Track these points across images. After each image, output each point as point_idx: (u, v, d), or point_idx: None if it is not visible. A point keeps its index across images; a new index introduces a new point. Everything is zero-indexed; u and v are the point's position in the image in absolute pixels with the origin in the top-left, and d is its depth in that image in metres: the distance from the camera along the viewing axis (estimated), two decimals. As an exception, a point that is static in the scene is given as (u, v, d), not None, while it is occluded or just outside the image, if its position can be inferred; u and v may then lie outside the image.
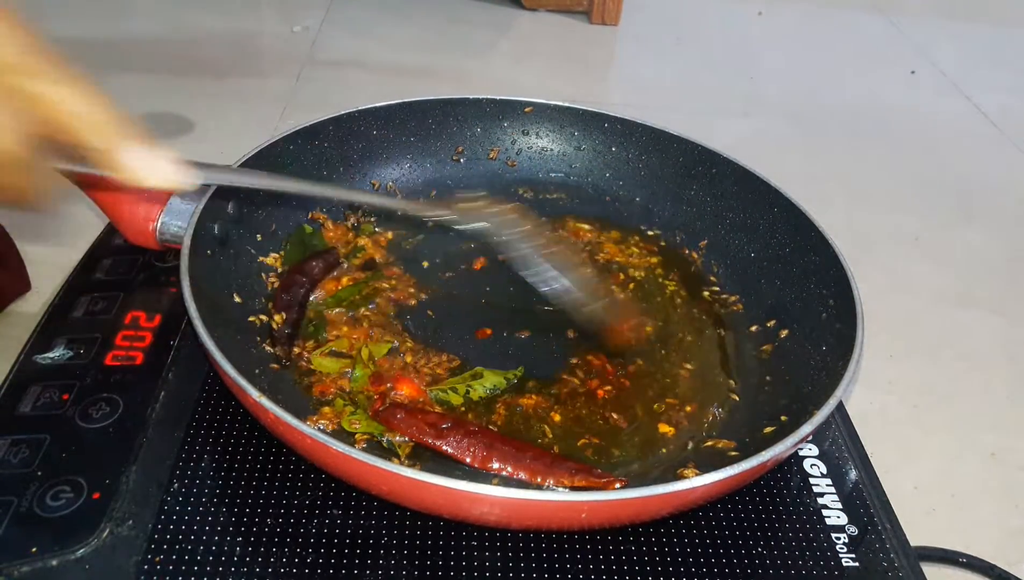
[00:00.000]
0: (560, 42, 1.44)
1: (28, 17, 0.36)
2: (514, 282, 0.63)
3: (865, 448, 0.53)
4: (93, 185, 0.54)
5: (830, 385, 0.46)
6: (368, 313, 0.58)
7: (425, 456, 0.48)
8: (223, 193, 0.56)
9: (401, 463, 0.47)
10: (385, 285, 0.61)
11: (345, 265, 0.62)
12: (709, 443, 0.51)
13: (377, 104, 0.70)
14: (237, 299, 0.55)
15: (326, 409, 0.50)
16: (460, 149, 0.74)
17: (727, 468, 0.40)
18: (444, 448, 0.47)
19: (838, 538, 0.47)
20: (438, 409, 0.51)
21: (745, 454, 0.42)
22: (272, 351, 0.53)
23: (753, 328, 0.61)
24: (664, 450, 0.51)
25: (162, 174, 0.39)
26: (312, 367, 0.53)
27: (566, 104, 0.73)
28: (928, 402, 0.74)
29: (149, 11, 1.39)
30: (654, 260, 0.67)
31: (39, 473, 0.44)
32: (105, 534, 0.42)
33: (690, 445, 0.52)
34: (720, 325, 0.62)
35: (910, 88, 1.40)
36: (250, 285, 0.57)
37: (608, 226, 0.71)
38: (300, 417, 0.41)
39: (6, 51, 0.34)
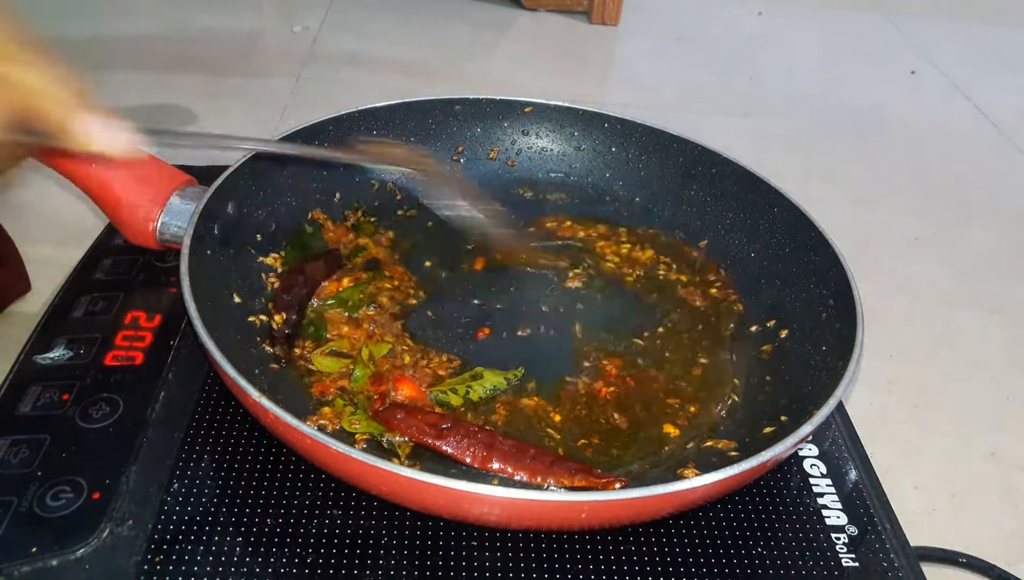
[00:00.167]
0: (560, 42, 1.44)
1: (24, 16, 0.37)
2: (515, 282, 0.64)
3: (865, 448, 0.53)
4: (69, 166, 0.54)
5: (830, 385, 0.46)
6: (369, 314, 0.58)
7: (425, 456, 0.48)
8: (223, 193, 0.56)
9: (401, 463, 0.47)
10: (387, 285, 0.61)
11: (348, 265, 0.62)
12: (709, 443, 0.51)
13: (377, 104, 0.70)
14: (237, 299, 0.55)
15: (326, 409, 0.50)
16: (460, 149, 0.74)
17: (727, 468, 0.40)
18: (444, 448, 0.47)
19: (838, 538, 0.47)
20: (438, 410, 0.51)
21: (745, 454, 0.42)
22: (272, 351, 0.53)
23: (753, 328, 0.61)
24: (664, 450, 0.51)
25: (111, 139, 0.40)
26: (313, 367, 0.53)
27: (566, 104, 0.73)
28: (928, 402, 0.74)
29: (149, 10, 1.39)
30: (652, 257, 0.67)
31: (39, 473, 0.44)
32: (105, 534, 0.42)
33: (690, 445, 0.52)
34: (720, 325, 0.62)
35: (910, 88, 1.40)
36: (250, 285, 0.57)
37: (607, 226, 0.71)
38: (300, 417, 0.41)
39: None
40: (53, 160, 0.53)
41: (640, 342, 0.59)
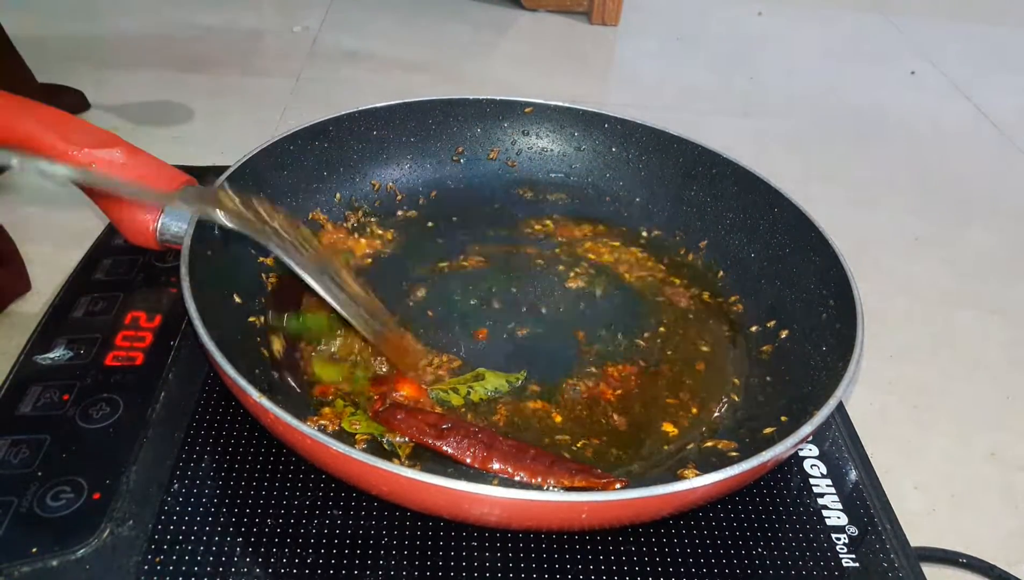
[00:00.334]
0: (560, 42, 1.45)
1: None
2: (515, 282, 0.64)
3: (865, 448, 0.53)
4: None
5: (830, 385, 0.46)
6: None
7: (425, 456, 0.48)
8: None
9: (401, 463, 0.47)
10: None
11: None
12: (709, 443, 0.51)
13: (377, 104, 0.70)
14: (237, 299, 0.55)
15: (326, 409, 0.50)
16: (460, 149, 0.74)
17: (727, 468, 0.40)
18: (444, 448, 0.47)
19: (838, 538, 0.47)
20: (438, 409, 0.51)
21: (745, 454, 0.42)
22: (277, 379, 0.52)
23: (753, 328, 0.61)
24: (664, 450, 0.51)
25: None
26: (315, 375, 0.53)
27: (566, 104, 0.73)
28: (928, 402, 0.74)
29: (149, 10, 1.39)
30: (652, 257, 0.67)
31: (39, 473, 0.44)
32: (105, 534, 0.42)
33: (690, 445, 0.52)
34: (720, 325, 0.62)
35: (910, 88, 1.40)
36: (250, 285, 0.57)
37: (607, 226, 0.71)
38: (300, 417, 0.41)
39: None
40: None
41: (640, 342, 0.59)
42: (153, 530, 0.43)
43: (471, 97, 0.73)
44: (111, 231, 0.63)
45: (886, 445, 0.66)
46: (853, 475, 0.51)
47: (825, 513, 0.48)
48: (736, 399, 0.55)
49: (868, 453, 0.53)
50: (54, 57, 1.15)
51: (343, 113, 0.68)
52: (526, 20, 1.50)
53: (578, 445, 0.50)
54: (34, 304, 0.68)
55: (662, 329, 0.61)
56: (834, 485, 0.50)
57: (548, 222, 0.71)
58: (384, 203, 0.70)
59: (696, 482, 0.40)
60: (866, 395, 0.74)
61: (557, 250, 0.68)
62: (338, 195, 0.68)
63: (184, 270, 0.48)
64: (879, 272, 0.90)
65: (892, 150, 1.19)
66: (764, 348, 0.58)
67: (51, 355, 0.52)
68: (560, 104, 0.73)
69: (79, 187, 0.54)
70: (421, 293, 0.61)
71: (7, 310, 0.67)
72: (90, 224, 0.69)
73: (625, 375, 0.56)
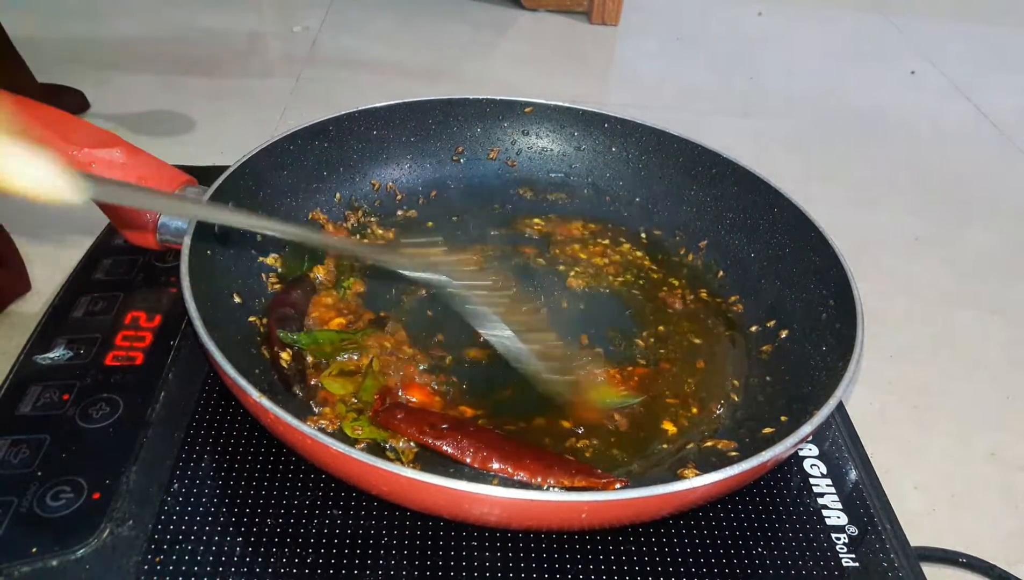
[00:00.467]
0: (560, 42, 1.45)
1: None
2: (516, 282, 0.63)
3: (865, 448, 0.53)
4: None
5: (830, 385, 0.46)
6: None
7: (425, 456, 0.48)
8: (223, 193, 0.56)
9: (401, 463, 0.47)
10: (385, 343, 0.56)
11: (340, 292, 0.60)
12: (709, 443, 0.51)
13: (377, 104, 0.69)
14: (237, 299, 0.55)
15: (327, 409, 0.50)
16: (460, 149, 0.74)
17: (727, 468, 0.40)
18: (444, 448, 0.47)
19: (838, 538, 0.47)
20: (437, 400, 0.51)
21: (745, 454, 0.42)
22: (290, 390, 0.51)
23: (753, 328, 0.61)
24: (664, 449, 0.51)
25: (41, 185, 0.32)
26: (324, 388, 0.52)
27: (566, 104, 0.73)
28: (928, 402, 0.74)
29: (149, 11, 1.39)
30: (652, 258, 0.67)
31: (39, 473, 0.44)
32: (105, 534, 0.42)
33: (690, 445, 0.51)
34: (720, 325, 0.62)
35: (910, 88, 1.40)
36: (250, 285, 0.57)
37: (607, 226, 0.71)
38: (300, 417, 0.41)
39: None
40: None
41: (640, 343, 0.59)
42: (153, 530, 0.43)
43: (471, 97, 0.73)
44: (111, 231, 0.63)
45: (886, 445, 0.66)
46: (853, 475, 0.51)
47: (825, 513, 0.48)
48: (736, 399, 0.55)
49: (868, 453, 0.53)
50: (54, 57, 1.15)
51: (343, 113, 0.68)
52: (526, 20, 1.50)
53: (578, 445, 0.50)
54: (34, 304, 0.68)
55: (661, 329, 0.61)
56: (834, 485, 0.50)
57: (548, 222, 0.71)
58: (384, 203, 0.70)
59: (696, 482, 0.40)
60: (866, 395, 0.74)
61: (557, 250, 0.68)
62: (338, 195, 0.68)
63: (184, 270, 0.48)
64: (879, 272, 0.90)
65: (892, 150, 1.19)
66: (764, 348, 0.58)
67: (51, 355, 0.52)
68: (560, 104, 0.73)
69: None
70: (421, 293, 0.61)
71: (7, 310, 0.67)
72: (90, 224, 0.69)
73: (626, 375, 0.56)
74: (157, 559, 0.42)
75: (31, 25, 1.22)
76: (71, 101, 1.05)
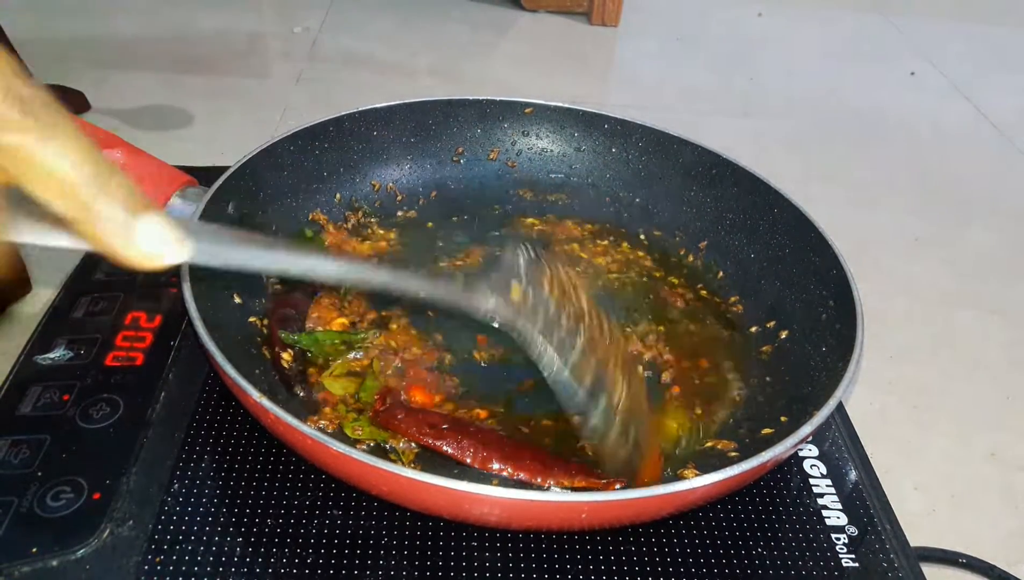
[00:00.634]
0: (560, 43, 1.45)
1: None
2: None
3: (865, 448, 0.53)
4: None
5: (830, 385, 0.46)
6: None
7: (426, 457, 0.48)
8: (223, 194, 0.56)
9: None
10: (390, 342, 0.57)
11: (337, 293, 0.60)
12: (709, 443, 0.51)
13: (377, 105, 0.70)
14: (237, 299, 0.55)
15: (327, 410, 0.50)
16: (460, 150, 0.74)
17: (727, 468, 0.40)
18: (444, 448, 0.47)
19: (838, 538, 0.47)
20: (439, 401, 0.51)
21: (745, 455, 0.42)
22: (292, 391, 0.51)
23: (753, 329, 0.61)
24: (664, 449, 0.51)
25: (144, 251, 0.31)
26: (325, 389, 0.52)
27: (566, 105, 0.73)
28: (928, 402, 0.74)
29: (149, 10, 1.39)
30: (652, 258, 0.67)
31: (39, 473, 0.44)
32: (105, 534, 0.42)
33: (690, 446, 0.52)
34: (720, 326, 0.62)
35: (910, 88, 1.40)
36: (250, 285, 0.57)
37: (607, 227, 0.71)
38: (300, 417, 0.41)
39: None
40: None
41: (640, 343, 0.59)
42: (153, 530, 0.43)
43: (471, 97, 0.73)
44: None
45: (886, 445, 0.66)
46: (853, 475, 0.51)
47: (825, 513, 0.48)
48: (736, 399, 0.55)
49: (868, 453, 0.53)
50: (54, 57, 1.15)
51: (343, 113, 0.68)
52: (526, 20, 1.50)
53: (578, 445, 0.50)
54: (34, 304, 0.68)
55: (661, 329, 0.61)
56: (834, 485, 0.50)
57: (548, 222, 0.71)
58: (384, 204, 0.70)
59: (696, 482, 0.40)
60: (866, 395, 0.74)
61: (557, 251, 0.68)
62: (338, 196, 0.68)
63: (184, 270, 0.48)
64: (879, 272, 0.90)
65: (892, 150, 1.19)
66: (764, 348, 0.58)
67: (51, 355, 0.52)
68: (560, 104, 0.73)
69: None
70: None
71: (7, 311, 0.67)
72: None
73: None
74: (157, 559, 0.42)
75: (31, 25, 1.22)
76: (72, 102, 1.05)
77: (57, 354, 0.52)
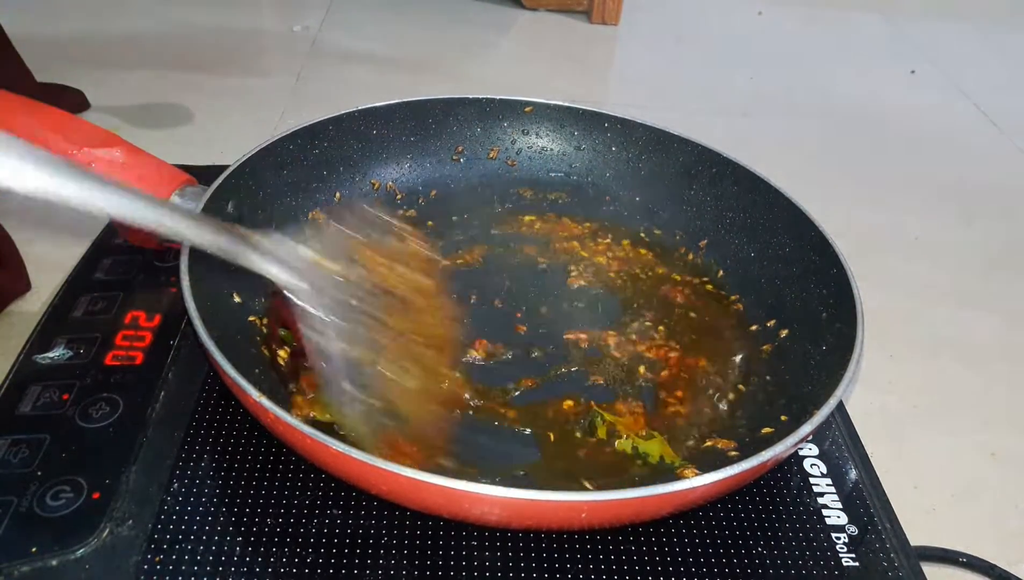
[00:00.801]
0: (560, 42, 1.44)
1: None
2: (517, 281, 0.63)
3: (865, 448, 0.53)
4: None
5: (830, 385, 0.46)
6: None
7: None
8: (223, 193, 0.56)
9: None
10: None
11: None
12: (709, 443, 0.51)
13: (377, 104, 0.69)
14: (237, 299, 0.55)
15: (298, 398, 0.50)
16: (460, 149, 0.74)
17: (727, 468, 0.40)
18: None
19: (838, 538, 0.47)
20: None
21: (745, 454, 0.42)
22: (291, 389, 0.52)
23: (753, 328, 0.61)
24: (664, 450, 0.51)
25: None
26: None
27: (566, 104, 0.73)
28: (928, 402, 0.74)
29: (149, 9, 1.39)
30: (652, 257, 0.67)
31: (39, 473, 0.44)
32: (105, 534, 0.42)
33: (690, 443, 0.52)
34: (720, 325, 0.61)
35: (910, 88, 1.40)
36: (250, 285, 0.57)
37: (607, 226, 0.71)
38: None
39: None
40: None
41: (641, 341, 0.59)
42: (153, 530, 0.43)
43: (471, 96, 0.73)
44: (111, 230, 0.63)
45: (886, 445, 0.66)
46: (853, 475, 0.51)
47: (825, 512, 0.48)
48: (736, 398, 0.55)
49: (868, 453, 0.53)
50: (54, 57, 1.15)
51: (343, 113, 0.68)
52: (526, 20, 1.50)
53: (579, 451, 0.50)
54: (34, 304, 0.68)
55: (661, 328, 0.61)
56: (834, 485, 0.50)
57: (548, 221, 0.71)
58: (384, 203, 0.70)
59: (696, 482, 0.40)
60: (866, 395, 0.74)
61: (557, 249, 0.68)
62: (338, 194, 0.68)
63: (184, 269, 0.48)
64: (879, 272, 0.90)
65: (892, 150, 1.19)
66: (764, 348, 0.58)
67: (51, 355, 0.52)
68: (560, 103, 0.73)
69: None
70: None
71: (7, 310, 0.67)
72: (90, 224, 0.69)
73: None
74: (157, 559, 0.41)
75: (31, 25, 1.22)
76: (71, 100, 1.05)
77: (57, 353, 0.52)
